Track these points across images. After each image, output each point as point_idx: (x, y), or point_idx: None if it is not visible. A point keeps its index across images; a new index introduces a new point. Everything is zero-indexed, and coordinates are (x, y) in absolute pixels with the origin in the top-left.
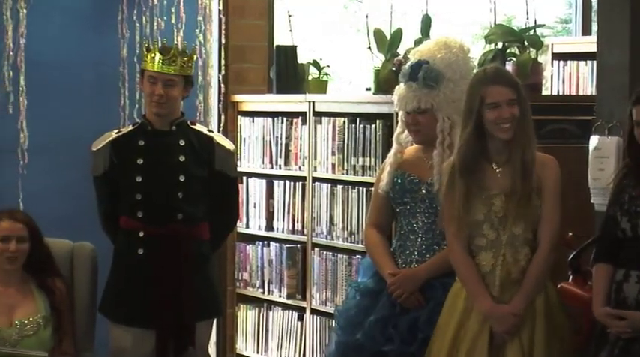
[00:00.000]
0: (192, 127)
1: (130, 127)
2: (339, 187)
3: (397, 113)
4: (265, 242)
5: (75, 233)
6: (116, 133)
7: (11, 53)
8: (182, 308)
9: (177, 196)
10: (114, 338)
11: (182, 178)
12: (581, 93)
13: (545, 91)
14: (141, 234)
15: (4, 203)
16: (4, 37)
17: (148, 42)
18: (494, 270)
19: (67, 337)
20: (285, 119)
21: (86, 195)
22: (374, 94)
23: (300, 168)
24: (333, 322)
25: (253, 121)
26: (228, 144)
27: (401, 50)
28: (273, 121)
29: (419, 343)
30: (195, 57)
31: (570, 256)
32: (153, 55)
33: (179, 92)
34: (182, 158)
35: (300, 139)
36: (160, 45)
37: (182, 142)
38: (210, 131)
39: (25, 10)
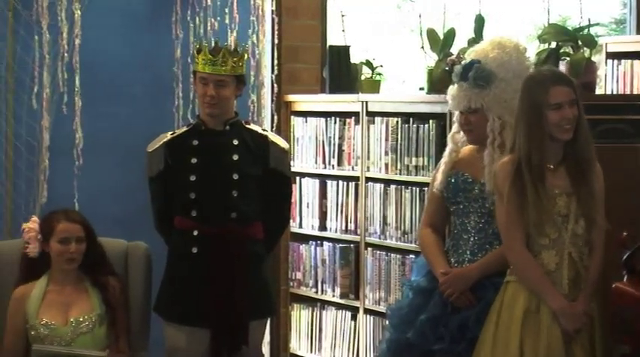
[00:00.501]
0: (247, 126)
1: (185, 128)
2: (392, 186)
3: (450, 113)
4: (318, 242)
5: (129, 233)
6: (171, 134)
7: (66, 54)
8: (236, 307)
9: (232, 194)
10: (168, 337)
11: (236, 177)
12: (635, 92)
13: (598, 91)
14: (195, 233)
15: (60, 204)
16: (59, 38)
17: (199, 43)
18: (560, 269)
19: (122, 336)
20: (338, 119)
21: (140, 195)
22: (427, 93)
23: (353, 168)
24: (386, 321)
25: (306, 121)
26: (282, 143)
27: (454, 50)
28: (326, 121)
29: (466, 342)
30: (246, 56)
31: (625, 256)
32: (203, 56)
33: (231, 92)
34: (236, 157)
35: (353, 139)
36: (210, 46)
37: (236, 141)
38: (264, 130)
39: (79, 12)
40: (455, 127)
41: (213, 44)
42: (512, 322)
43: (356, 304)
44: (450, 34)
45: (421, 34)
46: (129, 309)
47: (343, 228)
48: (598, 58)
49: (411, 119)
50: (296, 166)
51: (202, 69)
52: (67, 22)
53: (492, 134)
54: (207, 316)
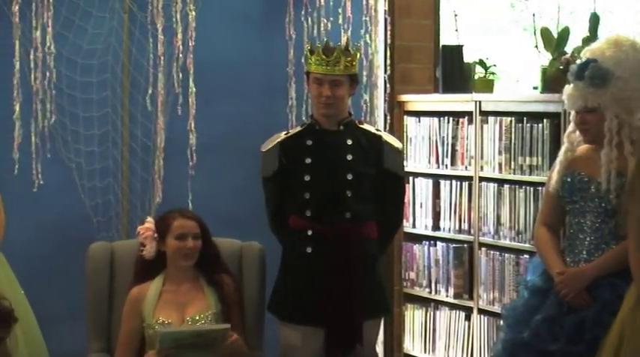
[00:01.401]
0: (360, 126)
1: (299, 128)
2: (506, 186)
3: (565, 112)
4: (432, 242)
5: (243, 233)
6: (285, 134)
7: (180, 55)
8: (351, 307)
9: (346, 194)
10: (283, 337)
11: (350, 177)
12: None
13: None
14: (309, 232)
15: (174, 204)
16: (174, 39)
17: (311, 44)
18: None
19: (237, 333)
20: (451, 119)
21: (254, 195)
22: (541, 93)
23: (466, 167)
24: (501, 321)
25: (419, 121)
26: (396, 143)
27: (568, 49)
28: (440, 120)
29: (586, 343)
30: (359, 55)
31: None
32: (317, 57)
33: (345, 91)
34: (350, 157)
35: (467, 138)
36: (322, 46)
37: (350, 141)
38: (378, 130)
39: (194, 13)
40: (571, 126)
41: (324, 45)
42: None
43: (470, 304)
44: (565, 33)
45: (535, 33)
46: (244, 308)
47: (457, 228)
48: None
49: (524, 119)
50: (409, 166)
51: (316, 70)
52: (182, 24)
53: (610, 133)
54: (321, 315)
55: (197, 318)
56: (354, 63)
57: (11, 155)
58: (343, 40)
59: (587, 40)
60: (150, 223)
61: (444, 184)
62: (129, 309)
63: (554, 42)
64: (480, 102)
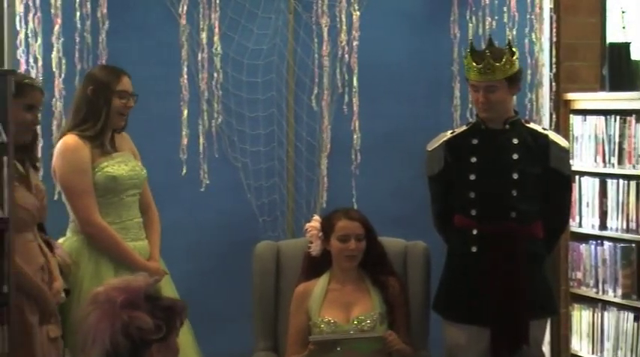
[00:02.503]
0: (526, 125)
1: (464, 127)
2: None
3: None
4: (599, 241)
5: (408, 232)
6: (450, 133)
7: (345, 55)
8: (517, 307)
9: (511, 193)
10: (448, 336)
11: (516, 176)
12: None
13: None
14: (474, 232)
15: (338, 203)
16: (337, 39)
17: (465, 50)
18: None
19: (401, 333)
20: (618, 117)
21: (418, 194)
22: None
23: (634, 166)
24: None
25: (585, 120)
26: (563, 142)
27: None
28: (606, 119)
29: None
30: (515, 54)
31: None
32: (468, 64)
33: (503, 95)
34: (515, 156)
35: (635, 137)
36: (479, 48)
37: (516, 140)
38: (544, 129)
39: (358, 13)
40: None
41: (482, 47)
42: None
43: (639, 305)
44: None
45: None
46: (409, 309)
47: (624, 227)
48: None
49: None
50: (575, 165)
51: (468, 76)
52: (346, 23)
53: None
54: (487, 314)
55: (362, 318)
56: (508, 65)
57: (178, 156)
58: (509, 37)
59: None
60: (316, 221)
61: (611, 183)
62: (295, 306)
63: None
64: None
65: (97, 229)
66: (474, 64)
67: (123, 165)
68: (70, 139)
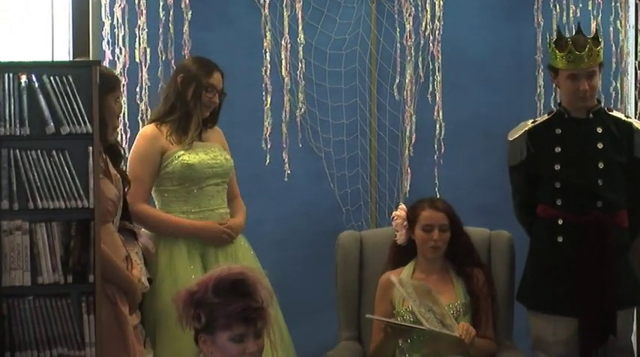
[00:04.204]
0: (610, 113)
1: (546, 116)
2: None
3: None
4: None
5: (492, 222)
6: (532, 122)
7: (430, 44)
8: (604, 296)
9: (597, 183)
10: (534, 326)
11: (601, 166)
12: None
13: None
14: (560, 222)
15: (422, 193)
16: (419, 28)
17: (551, 41)
18: None
19: (487, 325)
20: None
21: (502, 184)
22: None
23: None
24: None
25: None
26: None
27: None
28: None
29: None
30: (601, 41)
31: None
32: (568, 53)
33: (598, 81)
34: (600, 145)
35: None
36: (571, 41)
37: (599, 129)
38: (628, 117)
39: (441, 2)
40: None
41: (572, 35)
42: None
43: None
44: None
45: None
46: (495, 301)
47: None
48: None
49: None
50: None
51: (567, 67)
52: (429, 12)
53: None
54: (574, 305)
55: (446, 308)
56: (601, 51)
57: (261, 146)
58: (592, 27)
59: None
60: (402, 210)
61: None
62: (380, 294)
63: None
64: None
65: (137, 216)
66: (577, 52)
67: (202, 154)
68: (148, 128)
